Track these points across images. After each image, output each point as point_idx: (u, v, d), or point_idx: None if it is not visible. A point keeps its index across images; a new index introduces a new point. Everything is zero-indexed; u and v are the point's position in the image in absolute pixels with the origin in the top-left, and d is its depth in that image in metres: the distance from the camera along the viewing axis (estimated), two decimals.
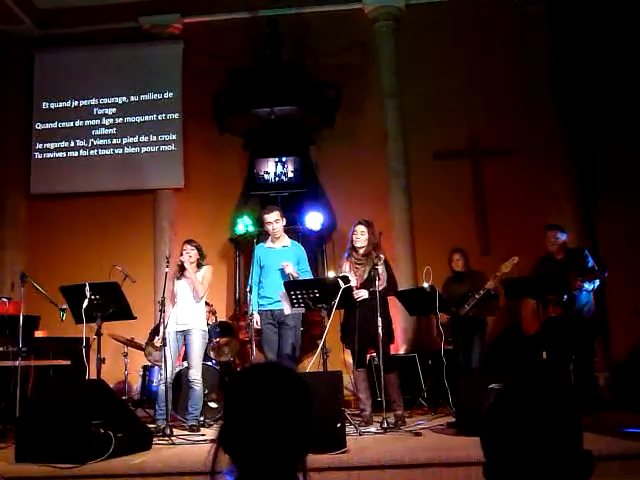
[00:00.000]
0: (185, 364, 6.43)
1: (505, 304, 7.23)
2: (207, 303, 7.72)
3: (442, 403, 6.65)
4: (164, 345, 5.90)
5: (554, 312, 6.26)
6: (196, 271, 6.22)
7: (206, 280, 6.28)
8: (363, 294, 5.77)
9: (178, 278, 6.23)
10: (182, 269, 6.23)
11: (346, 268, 5.99)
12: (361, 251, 5.98)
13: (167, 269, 6.12)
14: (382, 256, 5.83)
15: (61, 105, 9.97)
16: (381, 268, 5.75)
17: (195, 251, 6.23)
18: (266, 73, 8.96)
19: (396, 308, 6.99)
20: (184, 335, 6.17)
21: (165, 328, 6.05)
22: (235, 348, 7.23)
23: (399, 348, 8.31)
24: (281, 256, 6.19)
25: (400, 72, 9.44)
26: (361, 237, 5.95)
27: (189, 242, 6.35)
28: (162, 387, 5.96)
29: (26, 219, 9.81)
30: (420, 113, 9.24)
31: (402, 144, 9.28)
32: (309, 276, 6.26)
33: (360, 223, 6.00)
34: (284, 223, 6.37)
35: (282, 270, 6.06)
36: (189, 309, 6.18)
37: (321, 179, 9.29)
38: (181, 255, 6.24)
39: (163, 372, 5.98)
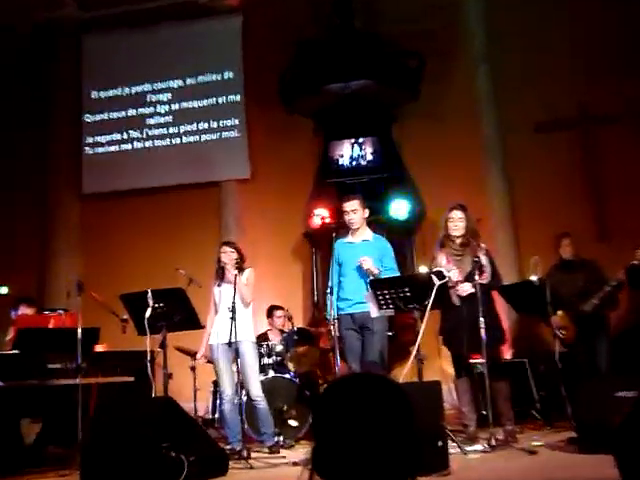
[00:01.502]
0: None
1: (631, 295, 6.97)
2: (282, 307, 7.76)
3: (559, 415, 6.46)
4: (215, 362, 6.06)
5: None
6: (238, 275, 6.13)
7: (250, 283, 6.23)
8: (468, 289, 5.62)
9: (218, 285, 6.20)
10: (222, 274, 6.18)
11: (442, 261, 5.84)
12: (458, 240, 5.84)
13: (235, 272, 6.09)
14: (484, 245, 5.73)
15: (112, 93, 10.23)
16: (484, 259, 5.61)
17: (235, 253, 6.20)
18: (337, 44, 8.94)
19: (500, 305, 6.81)
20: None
21: (208, 341, 6.13)
22: (315, 357, 7.21)
23: (505, 352, 8.12)
24: (361, 251, 6.08)
25: (492, 34, 9.27)
26: (459, 224, 5.81)
27: (227, 244, 6.37)
28: (226, 406, 5.99)
29: (79, 222, 10.08)
30: (517, 80, 9.08)
31: (497, 117, 9.16)
32: (395, 274, 6.13)
33: (455, 208, 5.86)
34: (366, 215, 6.26)
35: (360, 267, 5.95)
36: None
37: (405, 161, 9.20)
38: (219, 258, 6.22)
39: (223, 390, 6.04)
